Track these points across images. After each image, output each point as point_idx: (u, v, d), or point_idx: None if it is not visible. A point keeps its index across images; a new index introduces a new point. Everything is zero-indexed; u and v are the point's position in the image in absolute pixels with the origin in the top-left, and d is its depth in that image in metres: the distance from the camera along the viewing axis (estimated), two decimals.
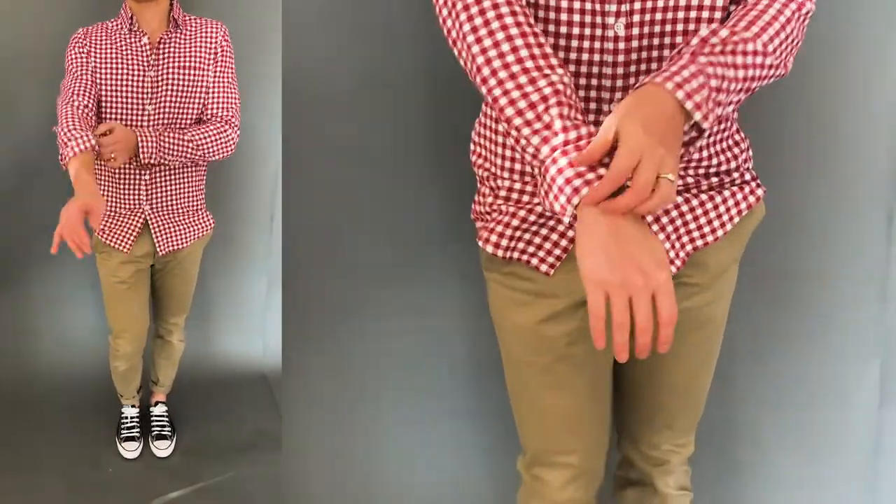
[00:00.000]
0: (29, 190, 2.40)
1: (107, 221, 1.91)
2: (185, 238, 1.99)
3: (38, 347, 2.52)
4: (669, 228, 1.10)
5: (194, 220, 2.01)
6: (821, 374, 1.71)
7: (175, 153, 1.79)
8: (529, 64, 0.93)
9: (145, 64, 1.83)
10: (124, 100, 1.83)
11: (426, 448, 1.83)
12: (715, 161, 1.11)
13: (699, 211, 1.12)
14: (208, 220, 2.06)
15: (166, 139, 1.77)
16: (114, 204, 1.90)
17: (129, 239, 1.91)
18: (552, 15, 1.01)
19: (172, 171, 1.91)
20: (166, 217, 1.95)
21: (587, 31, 1.01)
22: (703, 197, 1.12)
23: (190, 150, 1.81)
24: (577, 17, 1.01)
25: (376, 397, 1.80)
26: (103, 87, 1.81)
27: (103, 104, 1.82)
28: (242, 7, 2.34)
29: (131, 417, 2.24)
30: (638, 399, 1.29)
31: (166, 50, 1.85)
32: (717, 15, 1.01)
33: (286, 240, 1.74)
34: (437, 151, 1.65)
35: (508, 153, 1.13)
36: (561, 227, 1.11)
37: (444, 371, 1.78)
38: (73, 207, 1.56)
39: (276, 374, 2.50)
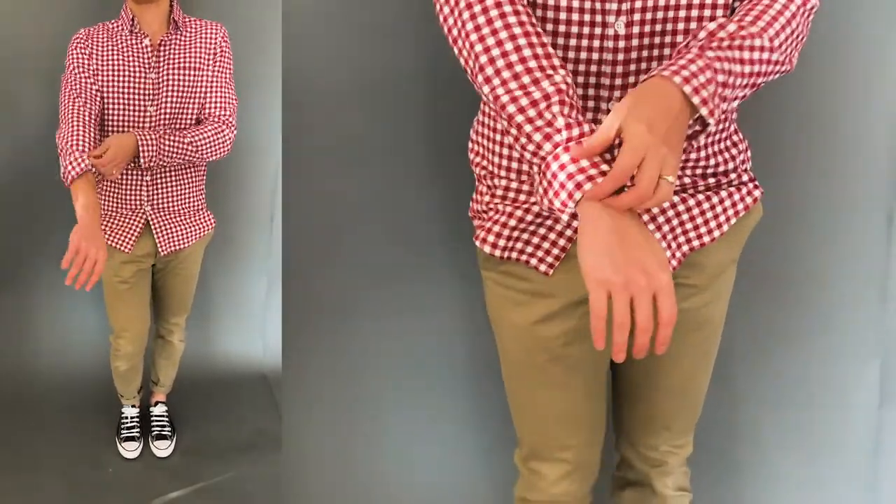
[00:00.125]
0: (29, 190, 2.40)
1: (108, 222, 1.91)
2: (187, 238, 1.99)
3: (38, 347, 2.52)
4: (666, 228, 1.10)
5: (195, 220, 2.01)
6: (821, 374, 1.71)
7: (174, 155, 1.79)
8: (532, 64, 0.93)
9: (146, 66, 1.83)
10: (126, 101, 1.83)
11: (426, 448, 1.83)
12: (713, 161, 1.11)
13: (696, 211, 1.12)
14: (209, 219, 2.06)
15: (166, 142, 1.77)
16: (115, 204, 1.90)
17: (130, 239, 1.91)
18: (550, 14, 1.01)
19: (173, 172, 1.91)
20: (168, 217, 1.95)
21: (586, 30, 1.01)
22: (700, 197, 1.12)
23: (189, 152, 1.82)
24: (576, 16, 1.01)
25: (376, 397, 1.80)
26: (105, 89, 1.82)
27: (105, 106, 1.83)
28: (242, 7, 2.34)
29: (131, 417, 2.24)
30: (635, 400, 1.29)
31: (167, 51, 1.85)
32: (719, 13, 1.01)
33: (286, 240, 1.74)
34: (437, 151, 1.65)
35: (506, 152, 1.13)
36: (559, 227, 1.11)
37: (444, 371, 1.78)
38: (95, 250, 1.59)
39: (276, 374, 2.50)
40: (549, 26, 1.01)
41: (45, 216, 2.41)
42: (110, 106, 1.83)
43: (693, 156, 1.09)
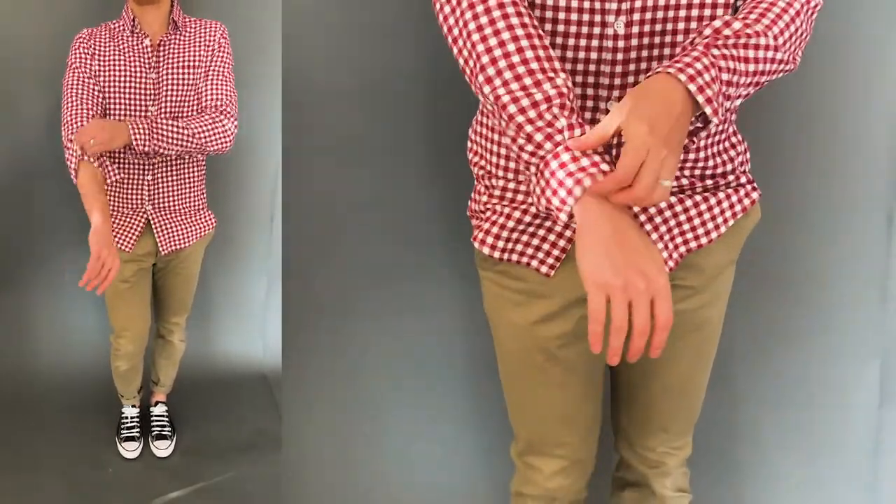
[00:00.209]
0: (29, 190, 2.40)
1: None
2: (188, 238, 2.00)
3: (38, 347, 2.52)
4: (663, 229, 1.10)
5: (196, 220, 2.01)
6: (821, 374, 1.71)
7: (169, 140, 1.76)
8: (535, 65, 0.93)
9: (147, 66, 1.84)
10: (127, 101, 1.83)
11: (426, 448, 1.83)
12: (711, 163, 1.11)
13: (693, 212, 1.11)
14: (210, 219, 2.06)
15: (159, 126, 1.75)
16: (116, 203, 1.91)
17: (131, 238, 1.92)
18: (549, 14, 1.01)
19: (174, 172, 1.91)
20: (168, 217, 1.95)
21: (585, 30, 1.01)
22: (698, 198, 1.12)
23: (185, 138, 1.78)
24: (574, 16, 1.01)
25: (376, 397, 1.80)
26: (107, 89, 1.82)
27: (107, 105, 1.83)
28: (242, 7, 2.34)
29: (131, 417, 2.24)
30: (632, 401, 1.29)
31: (167, 51, 1.85)
32: (719, 12, 1.01)
33: (286, 240, 1.74)
34: (437, 151, 1.65)
35: (504, 152, 1.13)
36: (558, 228, 1.11)
37: (445, 371, 1.78)
38: (111, 259, 1.61)
39: (276, 374, 2.50)
40: (549, 26, 1.01)
41: (45, 216, 2.41)
42: (112, 106, 1.83)
43: (691, 156, 1.09)
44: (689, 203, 1.11)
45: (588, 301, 0.87)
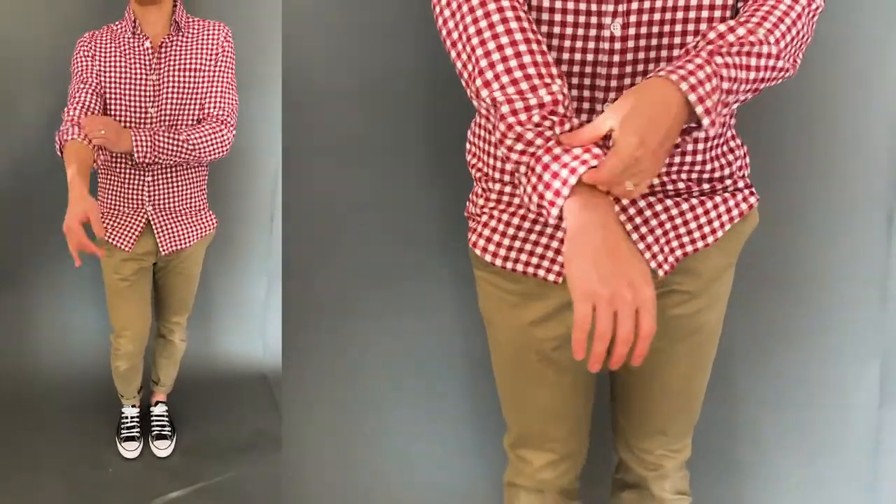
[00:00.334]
0: (29, 190, 2.40)
1: (110, 220, 1.92)
2: (188, 238, 2.00)
3: (38, 347, 2.52)
4: (659, 232, 1.10)
5: (197, 220, 2.01)
6: (821, 374, 1.71)
7: (169, 152, 1.79)
8: (532, 71, 0.93)
9: (147, 67, 1.84)
10: (127, 103, 1.83)
11: (426, 447, 1.83)
12: (709, 167, 1.11)
13: (689, 216, 1.11)
14: (211, 219, 2.06)
15: (160, 139, 1.77)
16: (117, 203, 1.91)
17: (131, 238, 1.92)
18: (545, 16, 1.01)
19: (175, 172, 1.91)
20: (169, 217, 1.95)
21: (581, 32, 1.01)
22: (694, 202, 1.11)
23: (185, 150, 1.81)
24: (570, 18, 1.01)
25: (376, 397, 1.80)
26: (108, 91, 1.83)
27: (108, 106, 1.84)
28: (242, 7, 2.34)
29: (131, 417, 2.24)
30: (631, 403, 1.30)
31: (168, 53, 1.85)
32: (717, 14, 1.01)
33: (286, 240, 1.74)
34: (436, 151, 1.65)
35: (501, 154, 1.13)
36: (560, 234, 1.11)
37: (444, 371, 1.79)
38: (72, 222, 1.55)
39: (276, 374, 2.50)
40: (545, 27, 1.01)
41: (45, 216, 2.40)
42: (112, 107, 1.84)
43: (688, 159, 1.08)
44: (685, 206, 1.11)
45: (574, 309, 0.88)
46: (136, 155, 1.76)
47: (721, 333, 1.26)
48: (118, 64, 1.83)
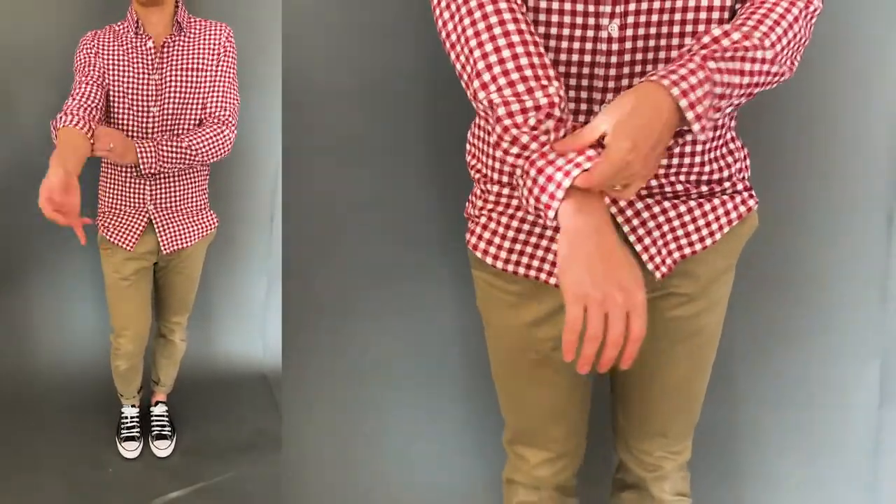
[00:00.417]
0: (29, 190, 2.39)
1: (111, 219, 1.92)
2: (189, 237, 2.00)
3: (38, 347, 2.52)
4: (657, 234, 1.10)
5: (198, 220, 2.01)
6: (821, 374, 1.71)
7: (173, 161, 1.80)
8: (528, 73, 0.93)
9: (150, 68, 1.84)
10: (130, 103, 1.84)
11: (426, 447, 1.83)
12: (707, 168, 1.11)
13: (687, 218, 1.11)
14: (212, 219, 2.06)
15: (164, 149, 1.78)
16: (119, 202, 1.91)
17: (133, 237, 1.92)
18: (543, 17, 1.01)
19: (176, 171, 1.91)
20: (170, 216, 1.95)
21: (578, 33, 1.01)
22: (692, 204, 1.11)
23: (189, 157, 1.82)
24: (568, 19, 1.01)
25: (376, 397, 1.80)
26: (110, 90, 1.83)
27: (110, 106, 1.84)
28: (242, 7, 2.34)
29: (131, 417, 2.24)
30: (630, 405, 1.30)
31: (170, 53, 1.85)
32: (715, 16, 1.01)
33: (286, 240, 1.74)
34: (436, 151, 1.65)
35: (500, 155, 1.13)
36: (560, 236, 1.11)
37: (444, 371, 1.79)
38: (40, 200, 1.45)
39: (276, 374, 2.50)
40: (542, 28, 1.01)
41: (45, 216, 2.40)
42: (114, 107, 1.84)
43: (687, 161, 1.08)
44: (683, 209, 1.11)
45: (566, 311, 0.88)
46: (142, 168, 1.76)
47: (721, 334, 1.26)
48: (121, 64, 1.84)
